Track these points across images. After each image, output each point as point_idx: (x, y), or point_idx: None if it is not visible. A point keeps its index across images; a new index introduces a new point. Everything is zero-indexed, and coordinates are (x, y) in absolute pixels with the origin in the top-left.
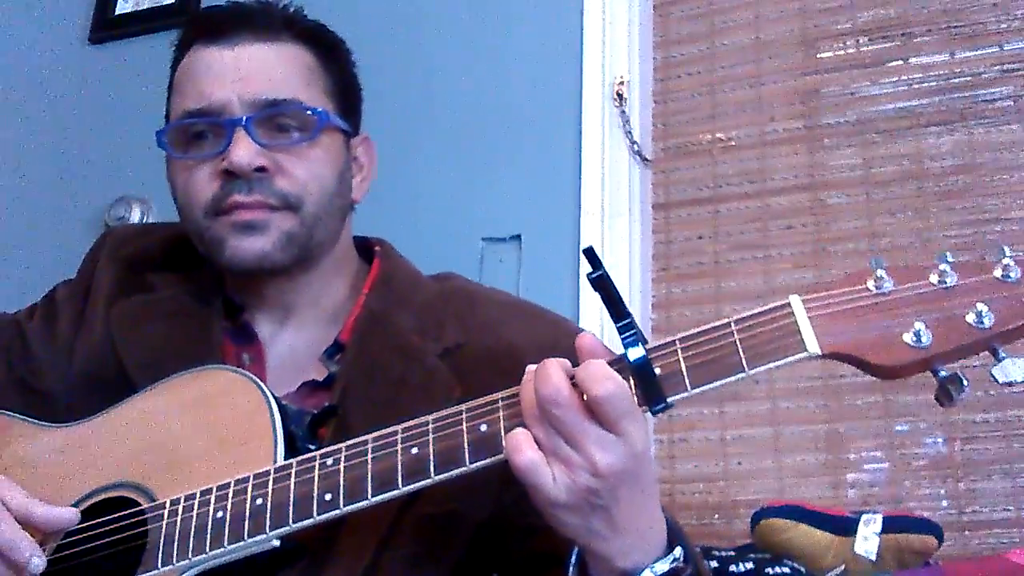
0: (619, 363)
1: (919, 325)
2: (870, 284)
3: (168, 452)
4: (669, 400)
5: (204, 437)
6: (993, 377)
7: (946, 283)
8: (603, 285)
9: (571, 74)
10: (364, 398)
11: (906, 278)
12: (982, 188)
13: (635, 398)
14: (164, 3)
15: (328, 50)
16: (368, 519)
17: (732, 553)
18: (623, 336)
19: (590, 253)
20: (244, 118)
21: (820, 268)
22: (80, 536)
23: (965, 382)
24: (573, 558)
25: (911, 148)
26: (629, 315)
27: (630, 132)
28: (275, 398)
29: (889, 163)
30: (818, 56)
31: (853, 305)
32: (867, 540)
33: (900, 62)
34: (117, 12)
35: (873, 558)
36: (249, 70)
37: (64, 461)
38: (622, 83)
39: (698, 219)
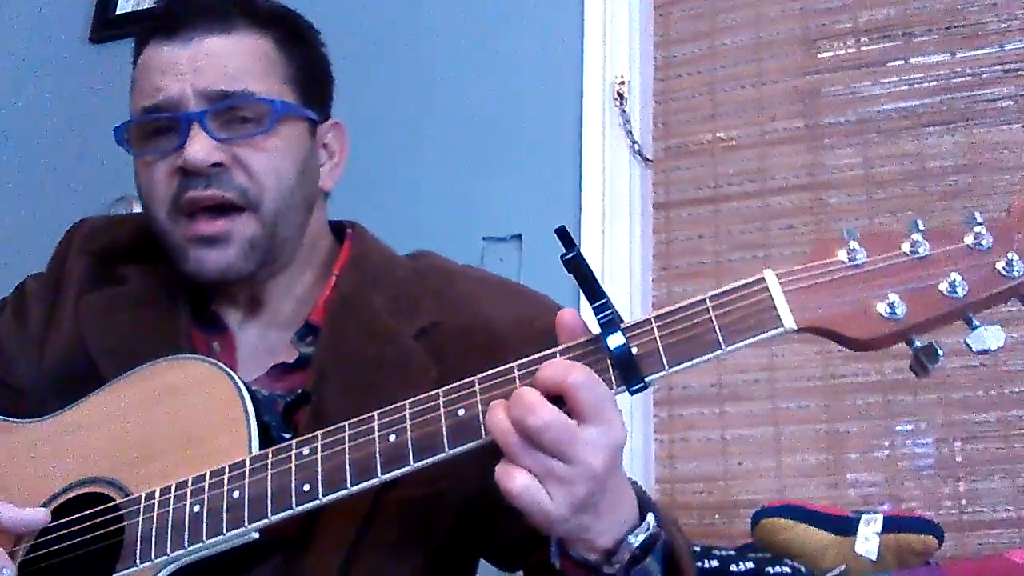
0: (596, 343)
1: (893, 296)
2: (842, 255)
3: (141, 445)
4: (647, 380)
5: (177, 429)
6: (968, 345)
7: (919, 252)
8: (577, 265)
9: (572, 74)
10: (339, 382)
11: (878, 248)
12: (983, 188)
13: (613, 379)
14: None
15: (290, 35)
16: (347, 505)
17: (733, 553)
18: (599, 316)
19: (562, 232)
20: (199, 112)
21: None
22: (54, 535)
23: (940, 352)
24: (554, 545)
25: (912, 148)
26: (604, 295)
27: (631, 132)
28: (247, 387)
29: (890, 163)
30: (819, 56)
31: (827, 278)
32: (867, 540)
33: (901, 62)
34: (118, 12)
35: (873, 558)
36: (203, 63)
37: (35, 458)
38: (623, 83)
39: (699, 219)
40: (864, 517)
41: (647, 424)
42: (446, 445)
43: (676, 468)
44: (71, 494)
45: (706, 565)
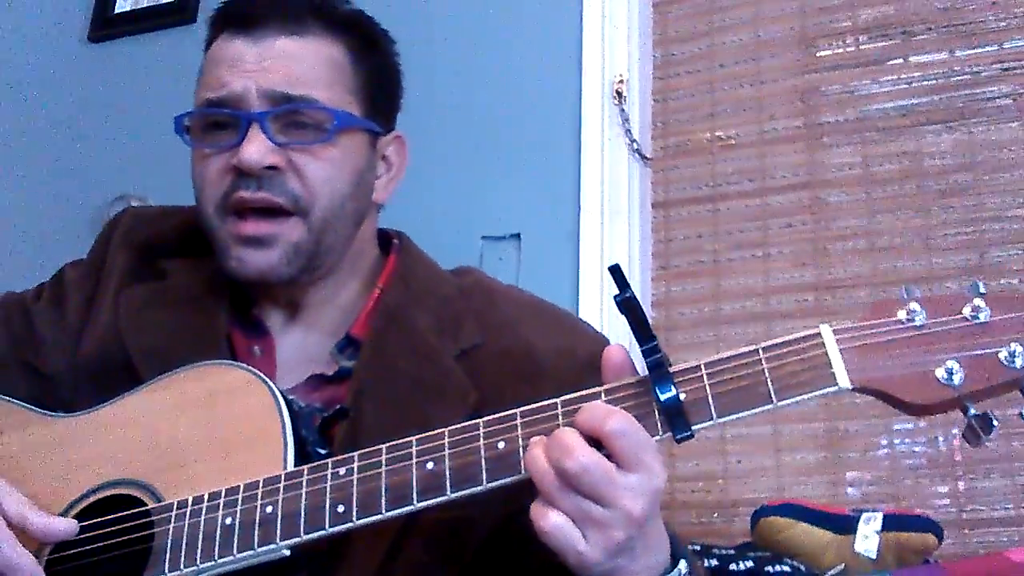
0: (643, 386)
1: (952, 363)
2: (901, 316)
3: (175, 450)
4: (694, 429)
5: (211, 437)
6: (1023, 417)
7: (979, 318)
8: (630, 306)
9: (570, 72)
10: (378, 398)
11: (939, 311)
12: (982, 186)
13: (659, 424)
14: (163, 2)
15: (363, 43)
16: (377, 525)
17: (732, 552)
18: (648, 359)
19: (616, 272)
20: (260, 113)
21: (820, 267)
22: (82, 535)
23: (995, 422)
24: None
25: (911, 146)
26: (654, 338)
27: (629, 130)
28: (286, 399)
29: (889, 161)
30: (817, 54)
31: (884, 338)
32: (867, 538)
33: (900, 60)
34: (116, 11)
35: (873, 556)
36: (270, 63)
37: (65, 454)
38: (621, 81)
39: (697, 217)
40: (863, 516)
41: None
42: (484, 478)
43: (675, 467)
44: (101, 495)
45: (706, 564)
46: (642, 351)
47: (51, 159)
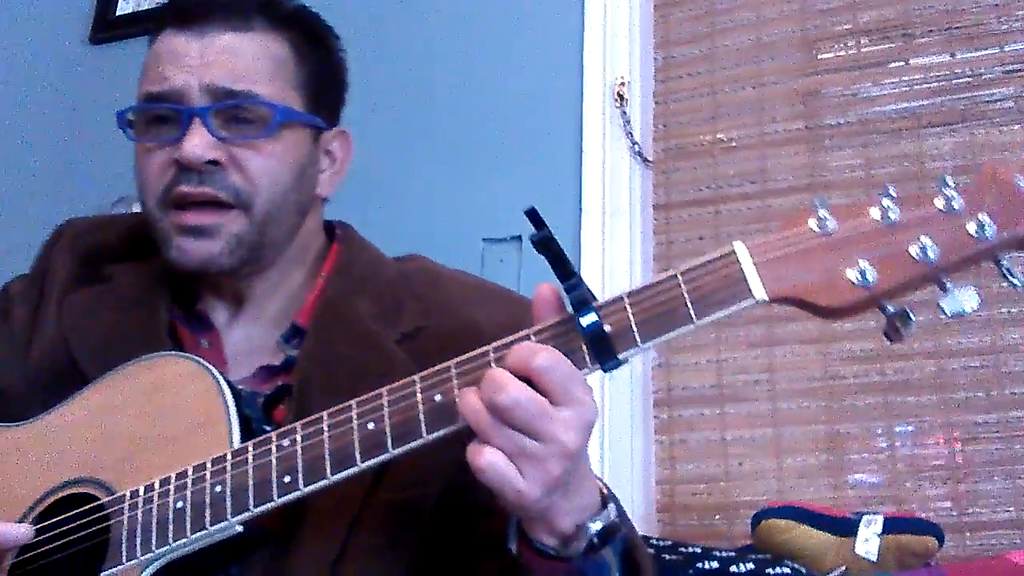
0: (570, 323)
1: (863, 263)
2: (812, 225)
3: (125, 444)
4: (620, 357)
5: (160, 426)
6: (941, 309)
7: (889, 218)
8: (547, 245)
9: (572, 75)
10: (323, 386)
11: (849, 216)
12: None
13: (587, 358)
14: (164, 3)
15: (308, 38)
16: (335, 507)
17: (733, 554)
18: (571, 295)
19: (532, 213)
20: (202, 108)
21: None
22: (42, 537)
23: (912, 317)
24: (512, 528)
25: (912, 149)
26: (575, 274)
27: (631, 133)
28: (228, 382)
29: (890, 164)
30: (819, 57)
31: (797, 248)
32: (868, 541)
33: (901, 63)
34: (118, 13)
35: (874, 559)
36: (213, 58)
37: (20, 462)
38: (623, 84)
39: (699, 220)
40: (864, 518)
41: (647, 425)
42: (424, 431)
43: (676, 469)
44: (58, 495)
45: (706, 566)
46: (564, 288)
47: (52, 161)
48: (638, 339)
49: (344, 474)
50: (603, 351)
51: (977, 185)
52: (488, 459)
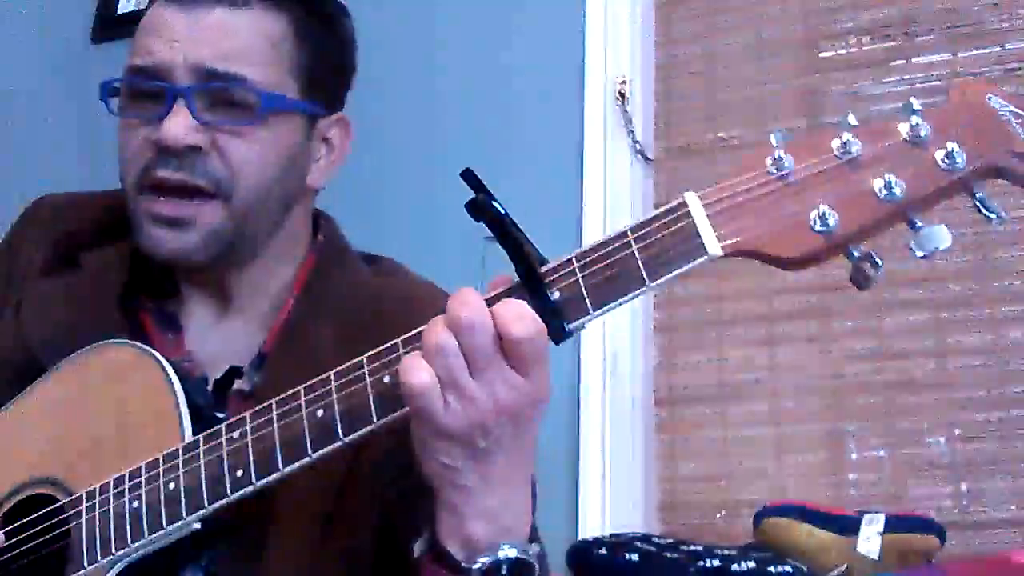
0: (519, 291)
1: (823, 207)
2: (769, 166)
3: (79, 441)
4: (569, 328)
5: (111, 420)
6: (912, 250)
7: (850, 152)
8: (484, 210)
9: (573, 73)
10: None
11: (806, 153)
12: (985, 187)
13: None
14: None
15: (310, 17)
16: (305, 511)
17: (734, 552)
18: (517, 268)
19: (468, 176)
20: (186, 88)
21: (822, 267)
22: (6, 544)
23: (879, 261)
24: (426, 532)
25: None
26: (520, 243)
27: (632, 131)
28: (176, 369)
29: None
30: (820, 55)
31: (753, 195)
32: (869, 540)
33: (902, 61)
34: (119, 11)
35: (875, 558)
36: (201, 35)
37: None
38: (624, 82)
39: None
40: (866, 517)
41: (648, 423)
42: (374, 416)
43: (677, 468)
44: (17, 498)
45: (708, 565)
46: (511, 258)
47: (52, 160)
48: (590, 308)
49: (296, 465)
50: (553, 324)
51: (945, 109)
52: (420, 379)
